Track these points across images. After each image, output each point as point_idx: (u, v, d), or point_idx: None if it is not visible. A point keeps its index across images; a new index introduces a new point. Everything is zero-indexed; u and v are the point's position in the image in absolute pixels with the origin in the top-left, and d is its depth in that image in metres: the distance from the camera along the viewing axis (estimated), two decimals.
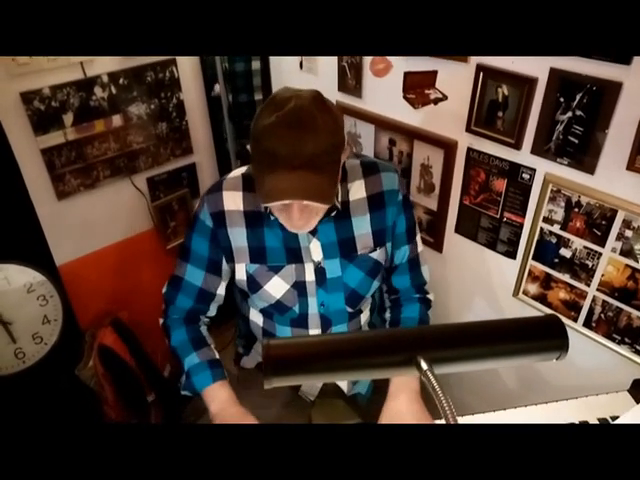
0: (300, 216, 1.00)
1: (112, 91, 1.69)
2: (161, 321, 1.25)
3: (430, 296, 1.33)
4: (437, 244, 1.63)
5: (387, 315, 1.33)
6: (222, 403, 1.12)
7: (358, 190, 1.16)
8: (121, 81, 1.70)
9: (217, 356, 1.20)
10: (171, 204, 2.01)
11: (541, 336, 0.54)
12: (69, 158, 1.67)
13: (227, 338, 2.27)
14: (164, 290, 1.25)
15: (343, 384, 1.35)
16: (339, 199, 1.13)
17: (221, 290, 1.22)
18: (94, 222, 1.82)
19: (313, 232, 1.13)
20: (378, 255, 1.20)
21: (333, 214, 1.12)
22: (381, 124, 1.60)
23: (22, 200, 1.59)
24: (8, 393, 1.61)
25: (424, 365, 0.49)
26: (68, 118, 1.63)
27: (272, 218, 1.11)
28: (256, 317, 1.28)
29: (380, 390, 1.35)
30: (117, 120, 1.74)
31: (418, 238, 1.28)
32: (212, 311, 1.26)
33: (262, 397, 1.33)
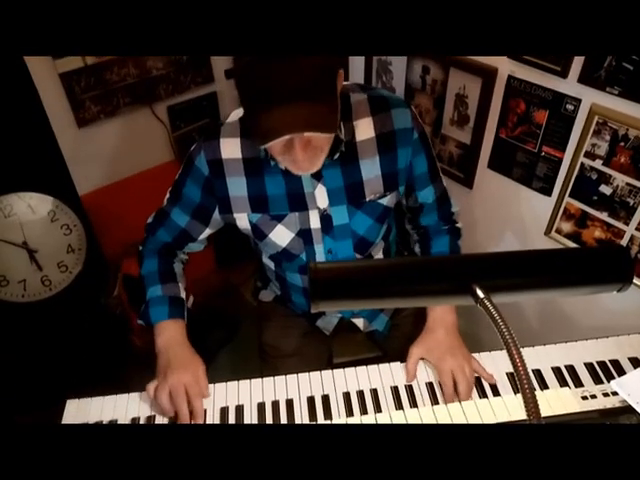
0: (304, 155, 0.91)
1: None
2: (140, 248, 1.23)
3: (459, 225, 1.27)
4: (467, 180, 1.58)
5: (417, 249, 1.29)
6: (170, 339, 1.08)
7: (366, 129, 1.05)
8: None
9: (182, 295, 1.16)
10: (192, 135, 1.96)
11: (605, 266, 0.51)
12: (88, 83, 1.62)
13: (249, 272, 2.28)
14: (149, 220, 1.22)
15: (359, 321, 1.34)
16: (343, 138, 1.03)
17: (203, 236, 1.18)
18: (115, 151, 1.79)
19: (318, 177, 1.06)
20: (388, 201, 1.12)
21: (336, 156, 1.03)
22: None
23: (43, 127, 1.55)
24: (37, 318, 1.65)
25: (480, 293, 0.47)
26: None
27: (273, 164, 1.03)
28: (268, 262, 1.26)
29: (397, 327, 1.35)
30: None
31: (440, 173, 1.21)
32: (192, 248, 1.22)
33: (280, 328, 1.35)
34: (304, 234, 1.12)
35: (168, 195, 1.17)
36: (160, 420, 1.00)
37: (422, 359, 1.10)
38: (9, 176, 1.53)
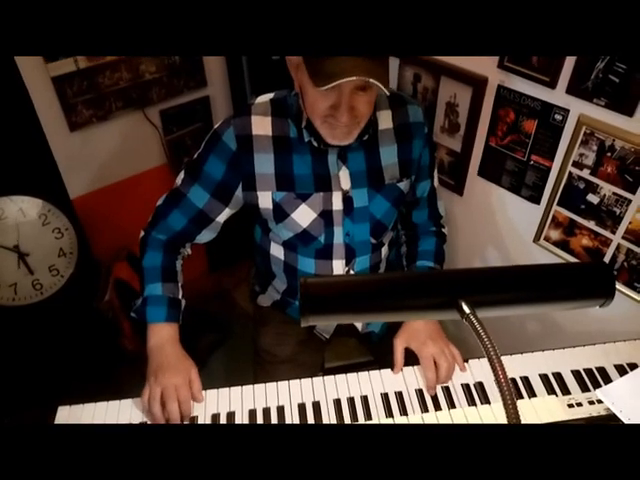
0: (347, 119, 0.96)
1: None
2: (142, 234, 1.20)
3: (445, 230, 1.34)
4: (458, 187, 1.59)
5: (403, 249, 1.34)
6: (162, 340, 1.08)
7: (385, 120, 1.15)
8: None
9: (180, 295, 1.15)
10: (184, 139, 1.96)
11: (587, 282, 0.53)
12: (81, 87, 1.61)
13: (241, 276, 2.29)
14: (159, 202, 1.19)
15: (358, 323, 1.36)
16: (375, 120, 1.13)
17: (221, 218, 1.17)
18: (107, 155, 1.79)
19: (343, 160, 1.12)
20: (404, 186, 1.20)
21: (365, 138, 1.11)
22: (406, 58, 1.52)
23: (34, 130, 1.55)
24: (27, 322, 1.65)
25: (466, 309, 0.48)
26: None
27: (306, 140, 1.08)
28: (277, 251, 1.26)
29: (393, 329, 1.37)
30: None
31: (435, 172, 1.30)
32: (203, 237, 1.20)
33: (277, 334, 1.35)
34: (326, 215, 1.15)
35: (183, 175, 1.15)
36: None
37: (406, 348, 1.13)
38: (0, 179, 1.53)
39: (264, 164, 1.10)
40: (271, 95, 1.14)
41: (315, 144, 1.08)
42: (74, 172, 1.72)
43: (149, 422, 1.01)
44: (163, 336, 1.09)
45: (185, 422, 1.00)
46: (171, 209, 1.16)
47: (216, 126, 1.12)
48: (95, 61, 1.61)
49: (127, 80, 1.71)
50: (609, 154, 1.19)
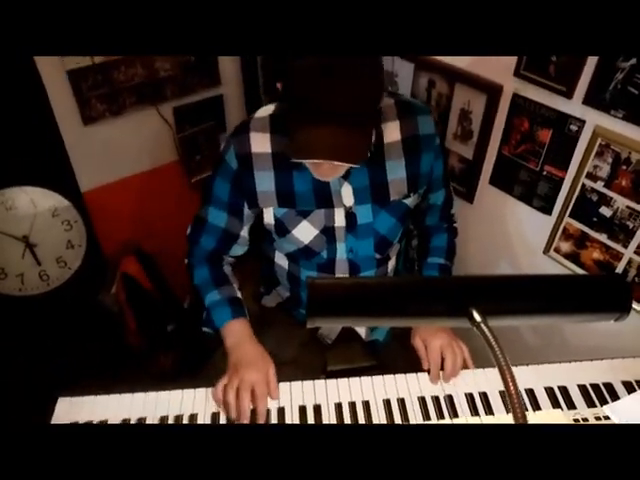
0: (328, 169, 0.97)
1: None
2: (186, 261, 1.24)
3: (456, 225, 1.33)
4: (468, 195, 1.58)
5: (414, 242, 1.34)
6: (238, 338, 1.10)
7: (392, 132, 1.10)
8: None
9: (239, 295, 1.18)
10: (197, 137, 1.96)
11: (602, 295, 0.51)
12: (95, 82, 1.62)
13: (246, 275, 2.28)
14: (188, 231, 1.23)
15: (361, 330, 1.35)
16: (372, 141, 1.07)
17: (244, 232, 1.19)
18: (120, 150, 1.80)
19: (345, 176, 1.09)
20: (411, 202, 1.17)
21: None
22: (421, 63, 1.51)
23: (48, 123, 1.56)
24: (34, 312, 1.65)
25: (477, 317, 0.47)
26: None
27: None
28: (281, 260, 1.26)
29: (397, 338, 1.36)
30: None
31: (449, 178, 1.28)
32: (236, 251, 1.23)
33: (280, 336, 1.35)
34: (328, 231, 1.14)
35: (201, 200, 1.19)
36: (151, 420, 1.00)
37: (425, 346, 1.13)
38: (13, 170, 1.54)
39: (264, 182, 1.09)
40: (270, 109, 1.11)
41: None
42: (86, 166, 1.73)
43: (222, 412, 1.01)
44: (236, 334, 1.11)
45: (260, 418, 0.99)
46: (200, 235, 1.19)
47: (222, 146, 1.13)
48: (110, 57, 1.61)
49: (141, 76, 1.71)
50: (624, 167, 1.17)
